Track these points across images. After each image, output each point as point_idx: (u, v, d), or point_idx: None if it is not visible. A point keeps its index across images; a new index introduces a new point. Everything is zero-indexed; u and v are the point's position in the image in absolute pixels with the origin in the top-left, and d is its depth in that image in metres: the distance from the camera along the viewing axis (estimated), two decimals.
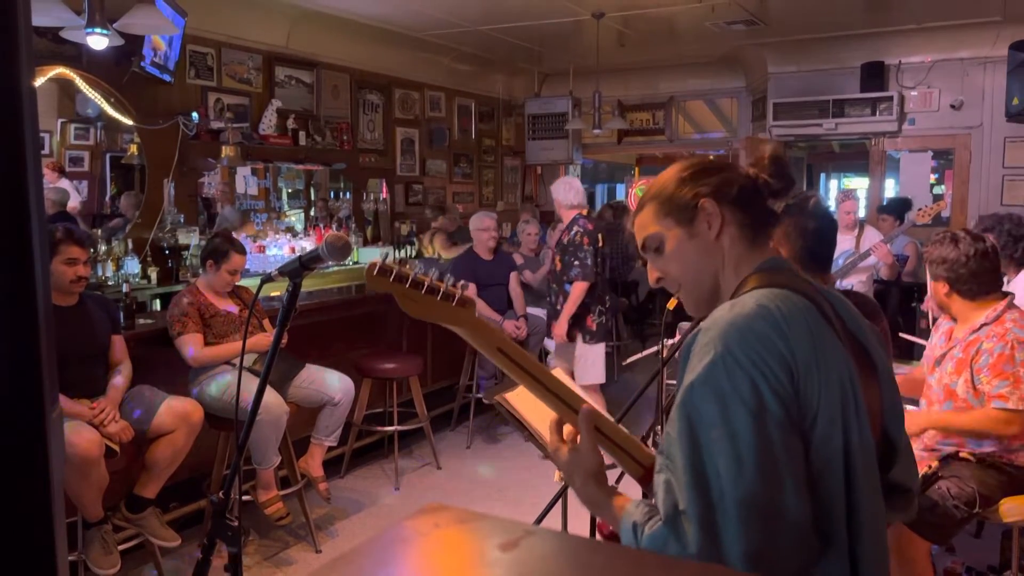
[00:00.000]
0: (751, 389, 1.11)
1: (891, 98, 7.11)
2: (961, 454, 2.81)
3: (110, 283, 4.94)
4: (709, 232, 1.30)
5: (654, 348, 3.23)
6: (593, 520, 2.29)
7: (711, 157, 10.16)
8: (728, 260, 1.31)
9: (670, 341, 2.66)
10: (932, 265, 2.88)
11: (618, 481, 1.81)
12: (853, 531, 1.16)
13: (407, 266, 1.22)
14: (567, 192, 4.86)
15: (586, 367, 4.73)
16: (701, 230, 1.31)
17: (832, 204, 6.17)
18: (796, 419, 1.13)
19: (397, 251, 6.67)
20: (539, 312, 5.84)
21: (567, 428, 1.37)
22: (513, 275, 5.69)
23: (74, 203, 5.84)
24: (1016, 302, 2.85)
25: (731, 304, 1.20)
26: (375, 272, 1.20)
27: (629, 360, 4.27)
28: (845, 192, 6.27)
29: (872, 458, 1.20)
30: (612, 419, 1.36)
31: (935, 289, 2.91)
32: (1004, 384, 2.68)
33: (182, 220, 5.60)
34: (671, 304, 2.72)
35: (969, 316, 2.84)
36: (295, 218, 7.42)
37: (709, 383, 1.13)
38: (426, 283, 1.21)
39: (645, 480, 1.32)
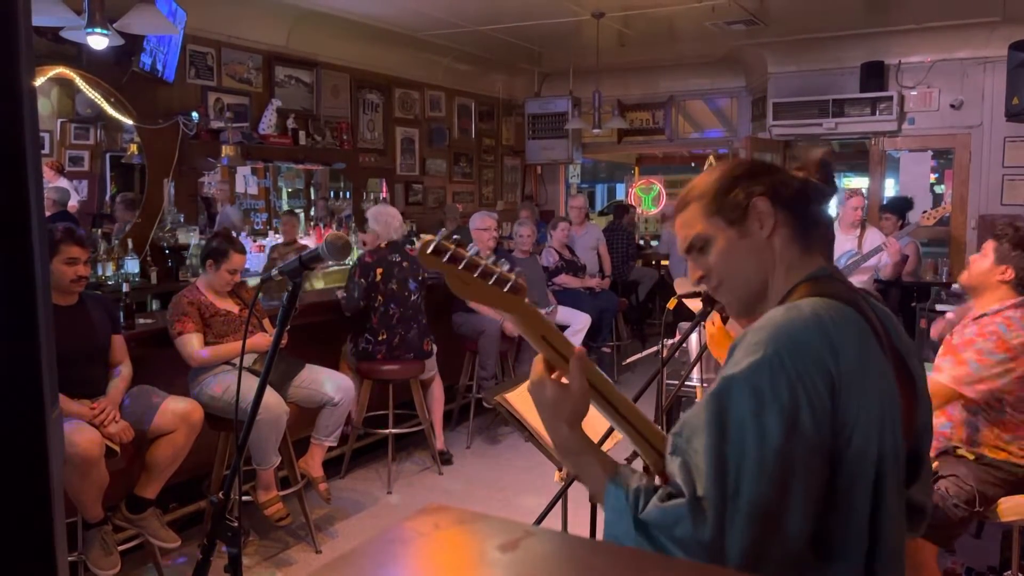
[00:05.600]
0: (790, 397, 1.10)
1: (891, 98, 7.10)
2: (959, 451, 2.81)
3: (110, 283, 4.94)
4: (761, 232, 1.28)
5: (654, 348, 3.22)
6: (593, 520, 2.29)
7: (713, 153, 10.16)
8: (780, 263, 1.29)
9: (670, 341, 2.66)
10: (1013, 249, 2.71)
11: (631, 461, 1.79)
12: (874, 547, 1.16)
13: (463, 247, 1.20)
14: (373, 223, 4.78)
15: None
16: (753, 230, 1.28)
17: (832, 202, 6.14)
18: (828, 437, 1.12)
19: None
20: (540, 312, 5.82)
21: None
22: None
23: (73, 203, 5.85)
24: None
25: (787, 308, 1.18)
26: (429, 250, 1.17)
27: (629, 360, 4.27)
28: (852, 189, 6.25)
29: (901, 477, 1.20)
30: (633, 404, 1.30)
31: (991, 271, 2.75)
32: (948, 360, 2.68)
33: (182, 220, 5.60)
34: (671, 304, 2.71)
35: (988, 304, 2.78)
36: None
37: (751, 381, 1.12)
38: (480, 266, 1.19)
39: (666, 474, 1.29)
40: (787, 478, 1.09)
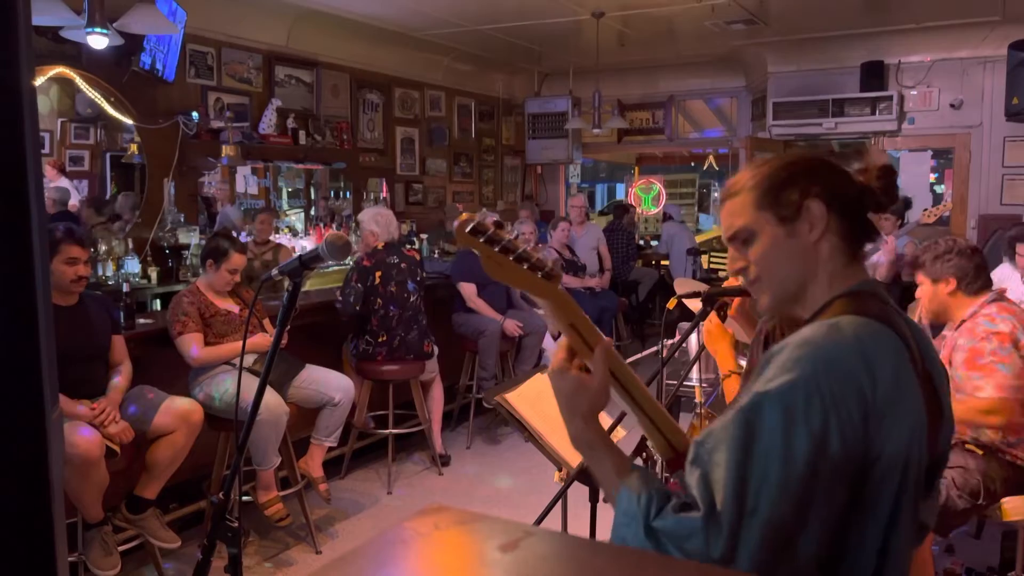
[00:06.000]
0: (822, 422, 1.08)
1: (891, 97, 7.10)
2: (966, 445, 2.82)
3: (110, 283, 4.94)
4: (809, 235, 1.24)
5: (654, 348, 3.23)
6: (593, 521, 2.29)
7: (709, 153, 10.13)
8: (823, 271, 1.26)
9: (670, 341, 2.66)
10: (936, 262, 2.87)
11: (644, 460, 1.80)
12: (881, 567, 1.15)
13: (502, 229, 1.18)
14: (370, 223, 4.74)
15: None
16: (801, 232, 1.24)
17: None
18: (853, 463, 1.11)
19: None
20: (541, 312, 5.83)
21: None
22: None
23: (73, 202, 5.85)
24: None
25: (828, 327, 1.15)
26: (467, 229, 1.14)
27: (629, 360, 4.27)
28: None
29: (919, 502, 1.19)
30: (650, 394, 1.29)
31: (936, 291, 2.89)
32: (979, 376, 2.72)
33: (182, 220, 5.60)
34: (671, 304, 2.72)
35: (959, 317, 2.88)
36: (295, 218, 7.42)
37: (784, 400, 1.09)
38: (517, 250, 1.17)
39: (674, 464, 1.28)
40: (806, 503, 1.08)
